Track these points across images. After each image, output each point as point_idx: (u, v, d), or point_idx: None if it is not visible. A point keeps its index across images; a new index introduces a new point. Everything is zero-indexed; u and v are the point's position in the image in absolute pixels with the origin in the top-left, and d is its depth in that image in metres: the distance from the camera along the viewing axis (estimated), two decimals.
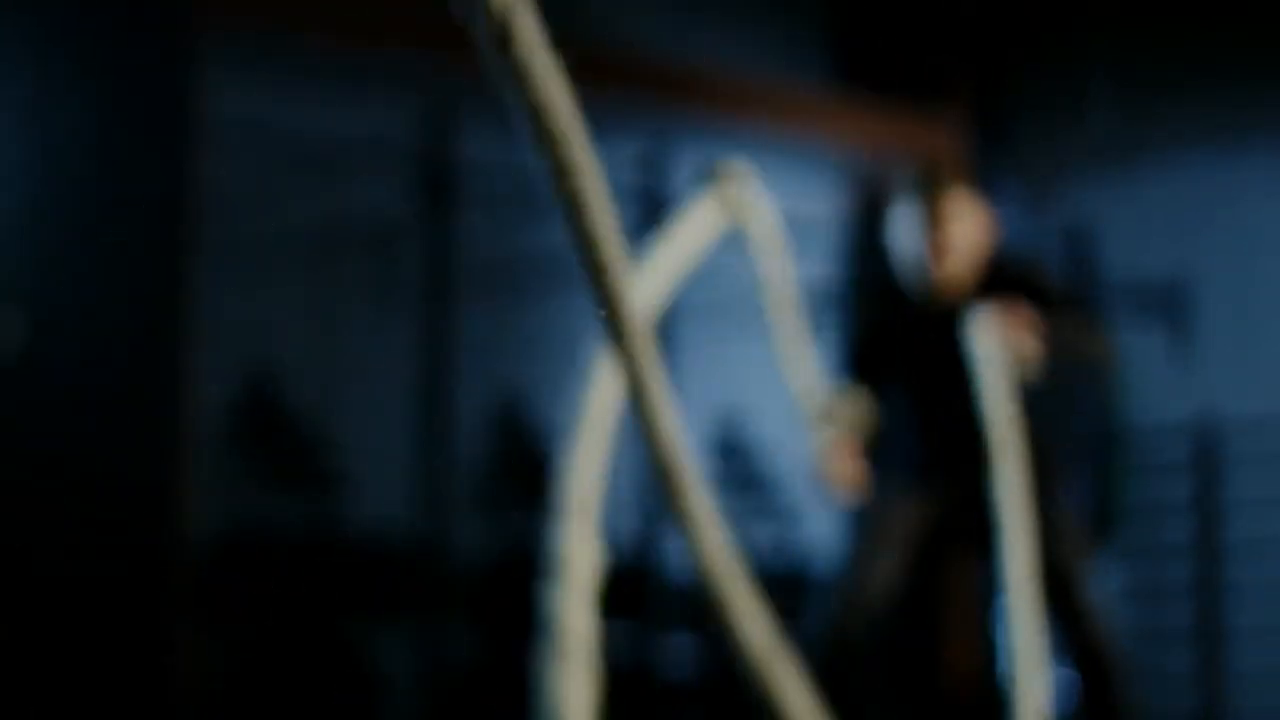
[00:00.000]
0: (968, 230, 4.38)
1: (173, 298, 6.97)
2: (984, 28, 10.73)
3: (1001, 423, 3.71)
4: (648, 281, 2.20)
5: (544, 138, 1.18)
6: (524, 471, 9.36)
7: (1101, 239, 10.30)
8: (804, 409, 3.98)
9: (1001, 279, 4.46)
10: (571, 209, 1.24)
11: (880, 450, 4.58)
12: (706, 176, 2.71)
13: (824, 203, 10.46)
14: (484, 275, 9.26)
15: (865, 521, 4.48)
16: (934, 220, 4.36)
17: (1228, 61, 10.20)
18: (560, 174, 1.22)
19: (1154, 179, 10.58)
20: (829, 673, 4.22)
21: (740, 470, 10.14)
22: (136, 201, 6.91)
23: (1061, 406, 4.39)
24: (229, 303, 8.45)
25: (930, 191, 4.34)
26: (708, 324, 10.07)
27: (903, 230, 4.42)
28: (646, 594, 8.75)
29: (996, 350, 3.98)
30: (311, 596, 8.49)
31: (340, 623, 8.61)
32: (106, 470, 6.70)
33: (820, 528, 10.15)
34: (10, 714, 6.36)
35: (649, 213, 9.09)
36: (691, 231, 2.50)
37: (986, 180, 9.20)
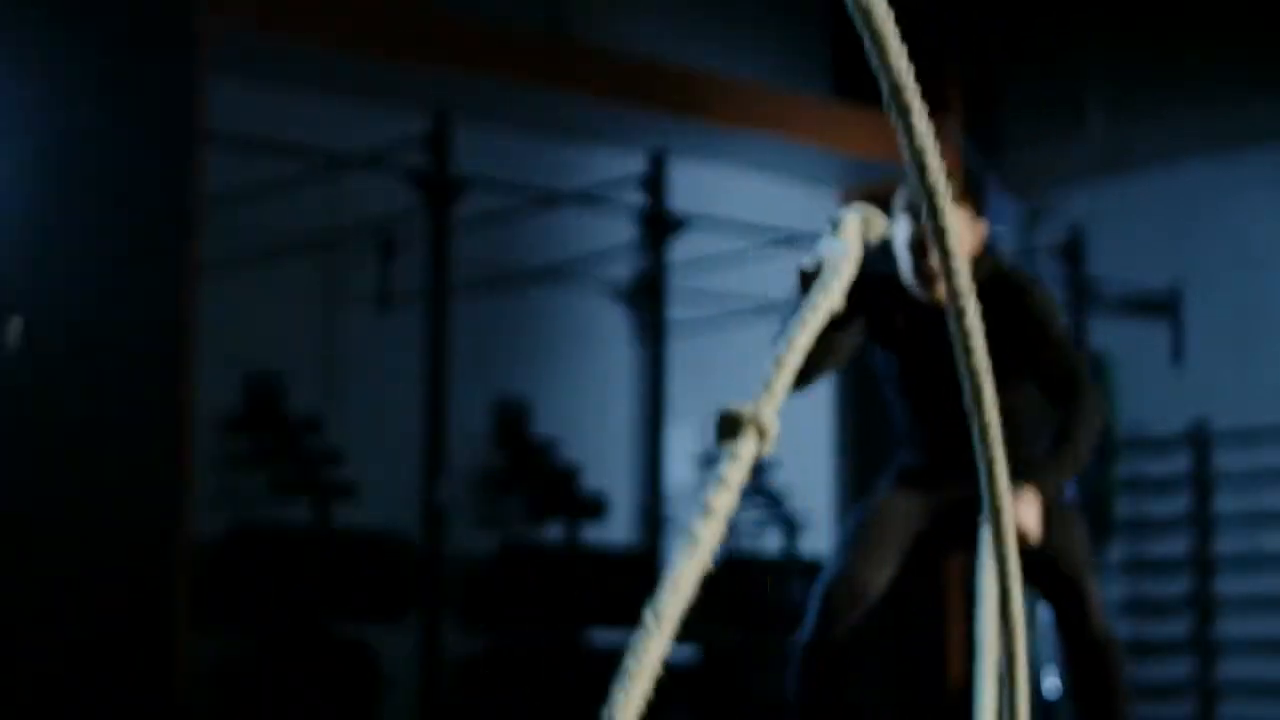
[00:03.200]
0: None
1: (175, 299, 7.02)
2: (977, 38, 10.79)
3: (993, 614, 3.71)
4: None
5: (900, 112, 1.83)
6: (523, 471, 9.40)
7: (1095, 249, 10.34)
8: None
9: (996, 299, 4.42)
10: (916, 162, 1.89)
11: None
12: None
13: (821, 210, 10.52)
14: (484, 278, 9.32)
15: (858, 518, 4.49)
16: (926, 243, 4.29)
17: (1220, 70, 10.24)
18: (908, 136, 1.86)
19: (1147, 188, 10.62)
20: (819, 669, 4.27)
21: (751, 481, 10.16)
22: (139, 205, 6.96)
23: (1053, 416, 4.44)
24: (230, 304, 8.51)
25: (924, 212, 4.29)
26: (708, 333, 10.12)
27: (897, 244, 4.38)
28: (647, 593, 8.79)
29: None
30: (312, 596, 8.53)
31: (340, 621, 8.65)
32: (109, 470, 6.75)
33: (826, 536, 10.20)
34: (12, 712, 6.40)
35: (651, 210, 9.15)
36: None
37: (979, 191, 9.25)
